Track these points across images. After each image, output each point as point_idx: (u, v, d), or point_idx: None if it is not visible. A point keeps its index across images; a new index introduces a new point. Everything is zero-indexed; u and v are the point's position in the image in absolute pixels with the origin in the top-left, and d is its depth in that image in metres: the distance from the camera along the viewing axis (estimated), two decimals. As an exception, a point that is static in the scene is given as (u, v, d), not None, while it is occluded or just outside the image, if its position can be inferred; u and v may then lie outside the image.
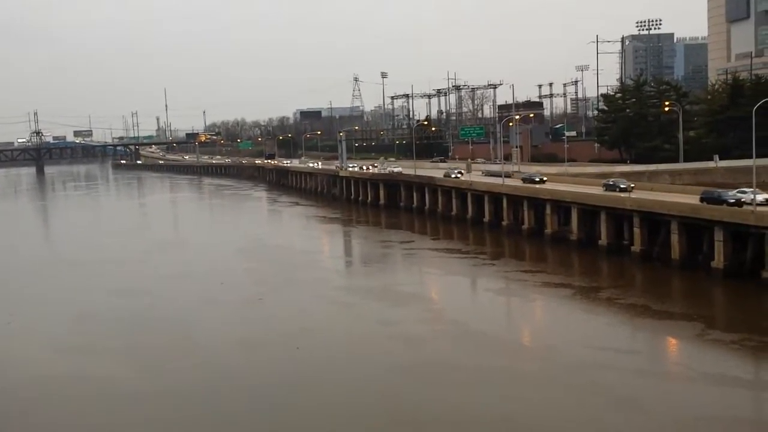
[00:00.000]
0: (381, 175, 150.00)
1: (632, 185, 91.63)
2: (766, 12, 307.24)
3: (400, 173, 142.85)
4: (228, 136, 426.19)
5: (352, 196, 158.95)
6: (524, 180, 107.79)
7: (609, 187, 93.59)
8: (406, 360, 48.70)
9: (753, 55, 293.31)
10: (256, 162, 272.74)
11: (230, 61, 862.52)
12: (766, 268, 62.51)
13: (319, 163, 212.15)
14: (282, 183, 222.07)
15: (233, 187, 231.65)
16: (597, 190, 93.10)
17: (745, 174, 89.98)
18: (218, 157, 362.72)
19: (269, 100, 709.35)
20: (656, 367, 46.76)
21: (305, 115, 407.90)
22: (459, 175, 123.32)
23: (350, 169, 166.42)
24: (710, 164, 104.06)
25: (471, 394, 42.11)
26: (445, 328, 56.52)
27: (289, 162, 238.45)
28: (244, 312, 64.01)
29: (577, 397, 41.33)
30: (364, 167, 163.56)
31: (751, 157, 72.07)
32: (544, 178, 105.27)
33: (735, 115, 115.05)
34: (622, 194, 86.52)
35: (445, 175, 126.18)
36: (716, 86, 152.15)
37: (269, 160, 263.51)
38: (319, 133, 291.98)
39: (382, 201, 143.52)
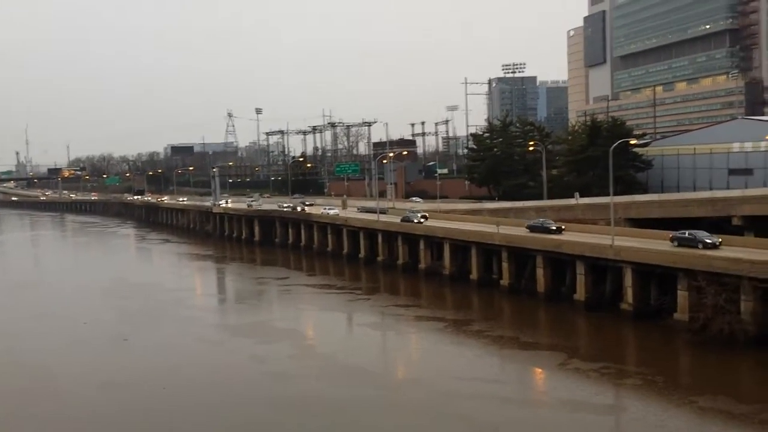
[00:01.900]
0: (255, 211, 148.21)
1: (563, 226, 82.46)
2: (621, 58, 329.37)
3: (303, 210, 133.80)
4: (94, 172, 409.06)
5: (226, 233, 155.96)
6: (404, 219, 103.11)
7: (535, 229, 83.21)
8: (276, 394, 48.33)
9: (609, 98, 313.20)
10: (125, 198, 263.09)
11: (99, 96, 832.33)
12: (624, 300, 66.01)
13: (186, 198, 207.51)
14: (152, 220, 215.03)
15: (99, 225, 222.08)
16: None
17: (603, 210, 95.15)
18: (82, 193, 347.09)
19: (138, 134, 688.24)
20: (520, 396, 48.66)
21: (176, 150, 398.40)
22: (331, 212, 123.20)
23: (224, 205, 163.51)
24: (572, 201, 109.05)
25: (336, 425, 42.38)
26: (317, 363, 56.19)
27: (159, 198, 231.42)
28: (108, 352, 61.06)
29: (443, 424, 42.30)
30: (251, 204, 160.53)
31: (608, 194, 76.20)
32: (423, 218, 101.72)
33: (594, 154, 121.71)
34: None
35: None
36: (576, 127, 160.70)
37: (138, 196, 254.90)
38: (191, 168, 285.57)
39: (257, 237, 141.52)
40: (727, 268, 56.25)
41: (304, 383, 50.79)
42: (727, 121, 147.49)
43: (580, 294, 70.63)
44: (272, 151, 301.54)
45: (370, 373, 53.37)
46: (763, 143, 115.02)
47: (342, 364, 55.46)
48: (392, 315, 74.62)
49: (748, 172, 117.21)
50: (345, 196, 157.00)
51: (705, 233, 68.02)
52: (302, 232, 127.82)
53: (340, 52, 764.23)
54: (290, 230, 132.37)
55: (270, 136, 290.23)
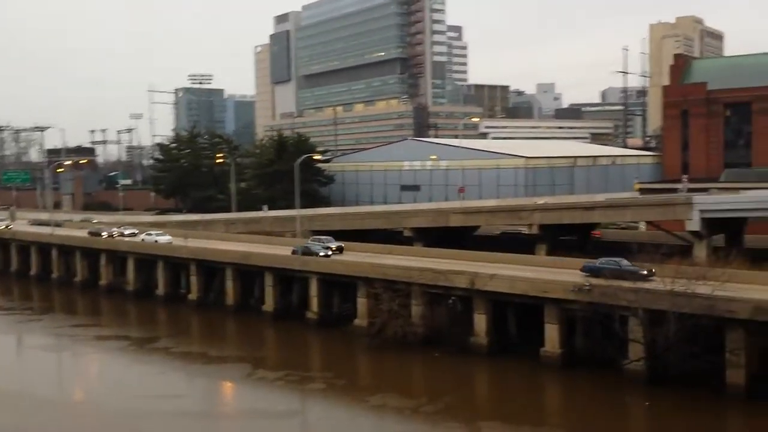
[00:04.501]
0: None
1: (341, 245, 75.43)
2: (305, 77, 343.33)
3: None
4: None
5: None
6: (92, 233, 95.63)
7: (305, 251, 72.04)
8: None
9: (295, 115, 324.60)
10: None
11: None
12: (310, 309, 68.76)
13: None
14: None
15: None
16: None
17: (289, 222, 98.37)
18: None
19: None
20: (202, 409, 48.63)
21: None
22: None
23: None
24: (260, 214, 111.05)
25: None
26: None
27: None
28: None
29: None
30: None
31: (295, 207, 78.93)
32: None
33: (281, 169, 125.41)
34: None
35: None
36: (264, 142, 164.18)
37: None
38: None
39: None
40: (399, 276, 61.40)
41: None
42: (399, 141, 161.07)
43: (268, 305, 72.09)
44: None
45: (39, 399, 49.35)
46: (428, 162, 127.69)
47: (5, 392, 50.50)
48: (69, 336, 69.59)
49: (416, 188, 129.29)
50: (13, 208, 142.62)
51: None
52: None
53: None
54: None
55: None
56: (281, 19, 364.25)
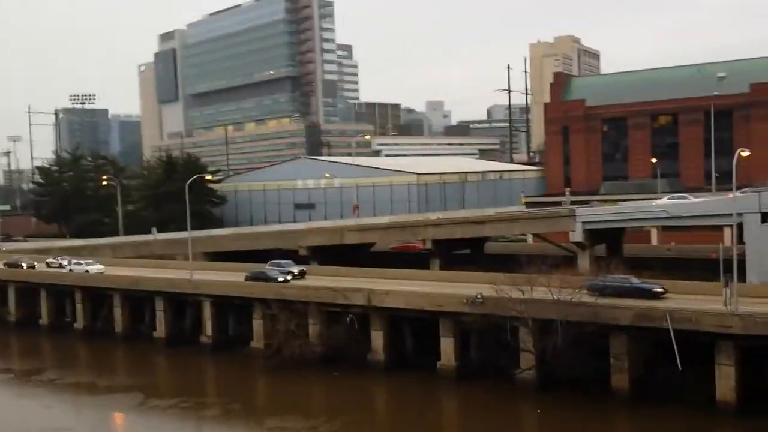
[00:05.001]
0: None
1: (303, 268, 71.31)
2: (193, 96, 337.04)
3: None
4: None
5: None
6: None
7: (259, 277, 67.12)
8: None
9: (183, 135, 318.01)
10: None
11: None
12: (203, 333, 67.26)
13: None
14: None
15: None
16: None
17: (181, 245, 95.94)
18: None
19: None
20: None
21: None
22: None
23: None
24: (149, 237, 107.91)
25: None
26: None
27: None
28: None
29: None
30: None
31: (186, 229, 77.21)
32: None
33: (170, 190, 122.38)
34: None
35: None
36: (152, 163, 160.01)
37: None
38: None
39: None
40: (297, 296, 61.05)
41: None
42: (292, 160, 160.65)
43: (160, 331, 70.05)
44: None
45: None
46: (322, 180, 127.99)
47: None
48: (-57, 372, 65.23)
49: (311, 206, 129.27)
50: None
51: None
52: None
53: None
54: None
55: None
56: (166, 37, 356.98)
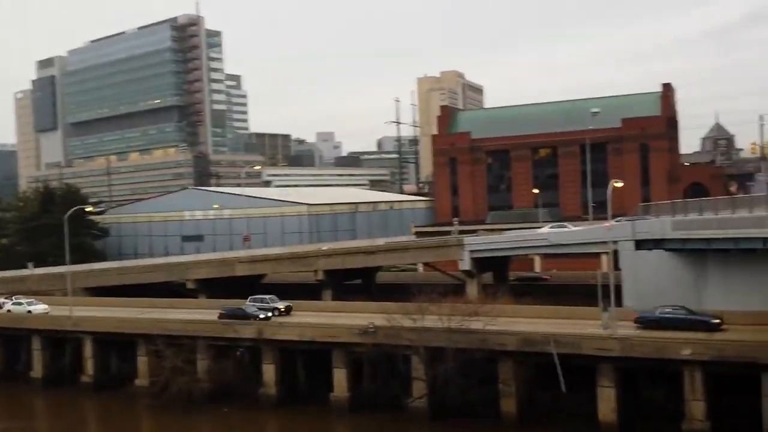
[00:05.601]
0: None
1: (289, 304, 65.29)
2: (73, 125, 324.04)
3: None
4: None
5: None
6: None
7: (235, 314, 60.87)
8: None
9: (63, 165, 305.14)
10: None
11: None
12: (84, 373, 64.15)
13: None
14: None
15: None
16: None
17: (60, 280, 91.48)
18: None
19: None
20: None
21: None
22: None
23: None
24: (26, 272, 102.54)
25: None
26: None
27: None
28: None
29: None
30: None
31: (65, 263, 73.92)
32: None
33: (48, 222, 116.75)
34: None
35: None
36: (28, 194, 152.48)
37: None
38: None
39: None
40: (183, 330, 59.28)
41: None
42: (179, 190, 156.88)
43: (37, 371, 66.38)
44: None
45: None
46: (211, 211, 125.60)
47: None
48: None
49: (199, 238, 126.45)
50: None
51: None
52: None
53: None
54: None
55: None
56: (45, 63, 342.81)
